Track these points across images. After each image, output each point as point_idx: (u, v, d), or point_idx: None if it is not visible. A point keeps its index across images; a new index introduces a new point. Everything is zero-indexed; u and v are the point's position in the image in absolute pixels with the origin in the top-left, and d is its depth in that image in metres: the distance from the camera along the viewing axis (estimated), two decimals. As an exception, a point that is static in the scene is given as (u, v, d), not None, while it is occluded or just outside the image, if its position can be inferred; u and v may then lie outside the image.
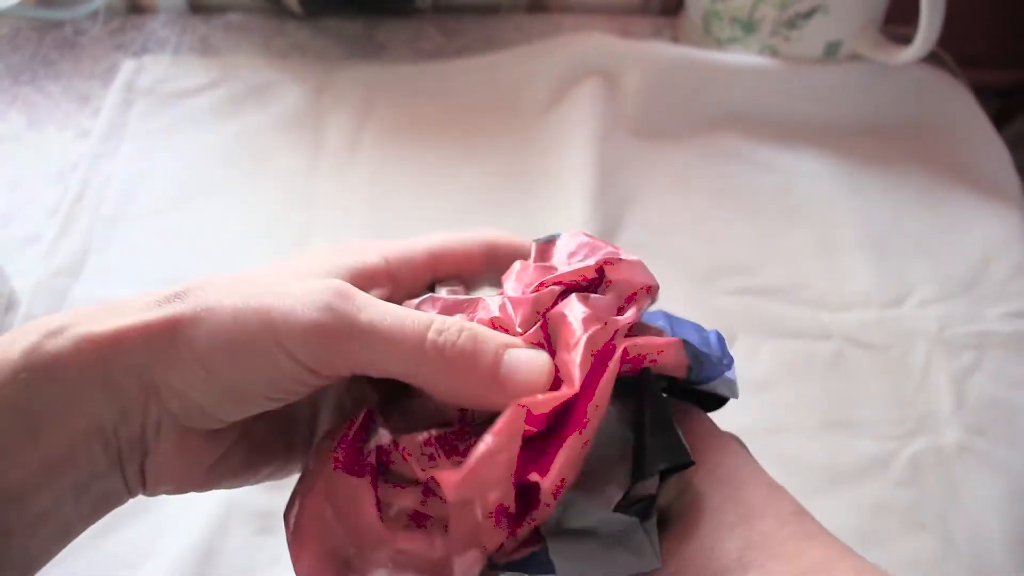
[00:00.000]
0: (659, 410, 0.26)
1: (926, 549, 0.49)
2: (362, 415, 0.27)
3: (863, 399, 0.55)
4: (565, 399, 0.24)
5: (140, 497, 0.48)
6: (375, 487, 0.25)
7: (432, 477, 0.24)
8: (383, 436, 0.26)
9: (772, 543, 0.24)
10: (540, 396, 0.24)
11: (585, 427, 0.24)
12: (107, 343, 0.24)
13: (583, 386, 0.25)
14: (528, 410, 0.24)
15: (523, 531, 0.24)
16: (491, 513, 0.23)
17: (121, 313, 0.25)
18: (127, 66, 0.69)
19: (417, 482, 0.26)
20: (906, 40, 0.64)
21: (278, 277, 0.26)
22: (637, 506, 0.26)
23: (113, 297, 0.27)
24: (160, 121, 0.67)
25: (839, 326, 0.58)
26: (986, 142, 0.68)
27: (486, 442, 0.23)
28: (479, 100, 0.69)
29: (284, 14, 0.74)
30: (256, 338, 0.24)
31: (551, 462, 0.23)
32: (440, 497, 0.25)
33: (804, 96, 0.68)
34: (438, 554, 0.25)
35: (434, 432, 0.26)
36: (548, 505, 0.23)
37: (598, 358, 0.25)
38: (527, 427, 0.24)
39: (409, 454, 0.25)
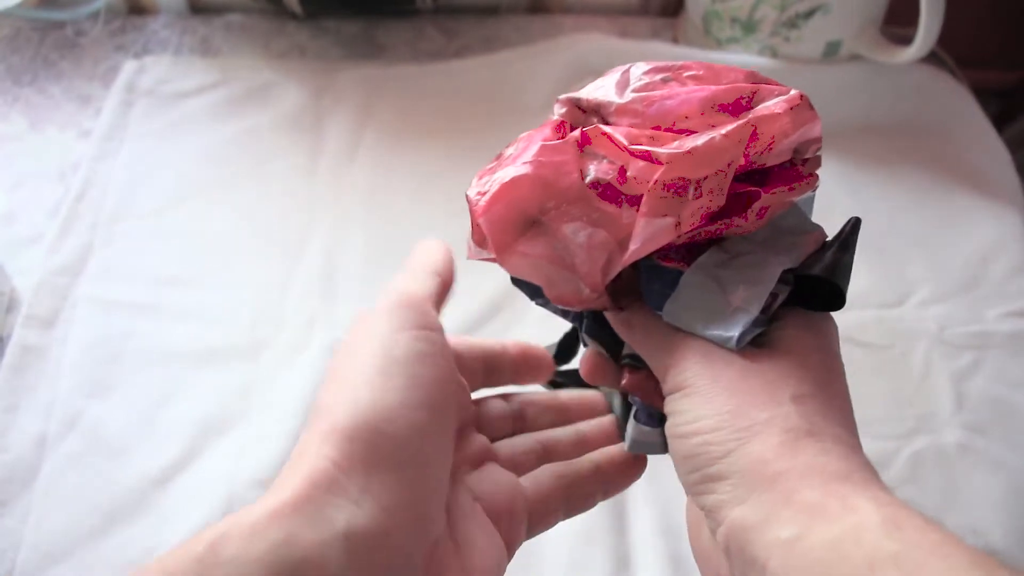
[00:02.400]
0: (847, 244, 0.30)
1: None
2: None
3: (863, 399, 0.54)
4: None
5: (139, 496, 0.49)
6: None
7: (648, 153, 0.26)
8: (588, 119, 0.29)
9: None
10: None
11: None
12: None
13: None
14: (755, 128, 0.26)
15: (710, 229, 0.27)
16: (699, 194, 0.25)
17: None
18: (128, 67, 0.69)
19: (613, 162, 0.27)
20: (906, 40, 0.64)
21: None
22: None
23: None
24: (161, 121, 0.67)
25: (839, 326, 0.58)
26: (986, 142, 0.68)
27: (716, 134, 0.25)
28: (479, 100, 0.69)
29: (284, 15, 0.74)
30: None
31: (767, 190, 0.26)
32: (635, 179, 0.26)
33: (803, 96, 0.68)
34: (627, 222, 0.26)
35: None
36: (746, 219, 0.27)
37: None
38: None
39: (614, 138, 0.27)
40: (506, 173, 0.28)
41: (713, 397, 0.25)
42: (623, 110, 0.28)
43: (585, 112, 0.29)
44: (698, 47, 0.71)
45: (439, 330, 0.28)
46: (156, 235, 0.61)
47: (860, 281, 0.60)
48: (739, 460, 0.24)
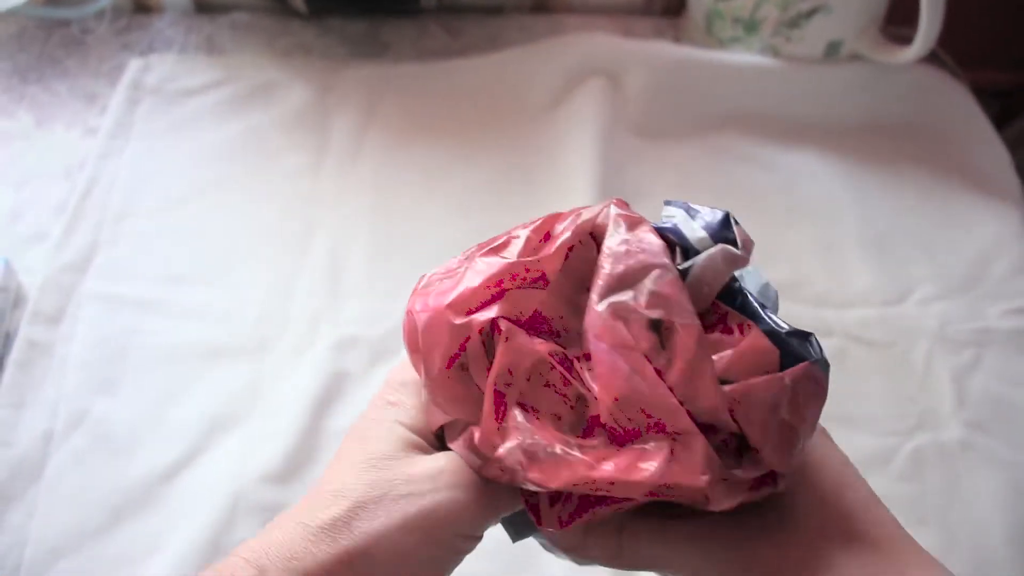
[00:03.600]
0: None
1: (927, 544, 0.49)
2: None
3: (865, 396, 0.55)
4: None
5: (144, 493, 0.49)
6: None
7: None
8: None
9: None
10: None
11: None
12: None
13: None
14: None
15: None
16: None
17: (292, 552, 0.26)
18: (133, 65, 0.70)
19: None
20: (907, 40, 0.64)
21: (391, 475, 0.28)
22: None
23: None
24: (166, 119, 0.67)
25: (841, 323, 0.58)
26: (986, 142, 0.69)
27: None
28: (483, 99, 0.69)
29: (289, 13, 0.75)
30: (433, 539, 0.26)
31: None
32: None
33: (805, 96, 0.69)
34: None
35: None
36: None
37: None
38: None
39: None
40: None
41: None
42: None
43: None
44: (700, 47, 0.71)
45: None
46: (162, 233, 0.61)
47: (862, 279, 0.61)
48: None
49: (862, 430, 0.54)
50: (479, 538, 0.28)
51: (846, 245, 0.62)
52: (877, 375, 0.56)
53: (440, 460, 0.28)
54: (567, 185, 0.63)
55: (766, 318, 0.27)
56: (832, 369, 0.58)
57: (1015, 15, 0.87)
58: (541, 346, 0.26)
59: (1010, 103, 0.94)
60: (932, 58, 0.69)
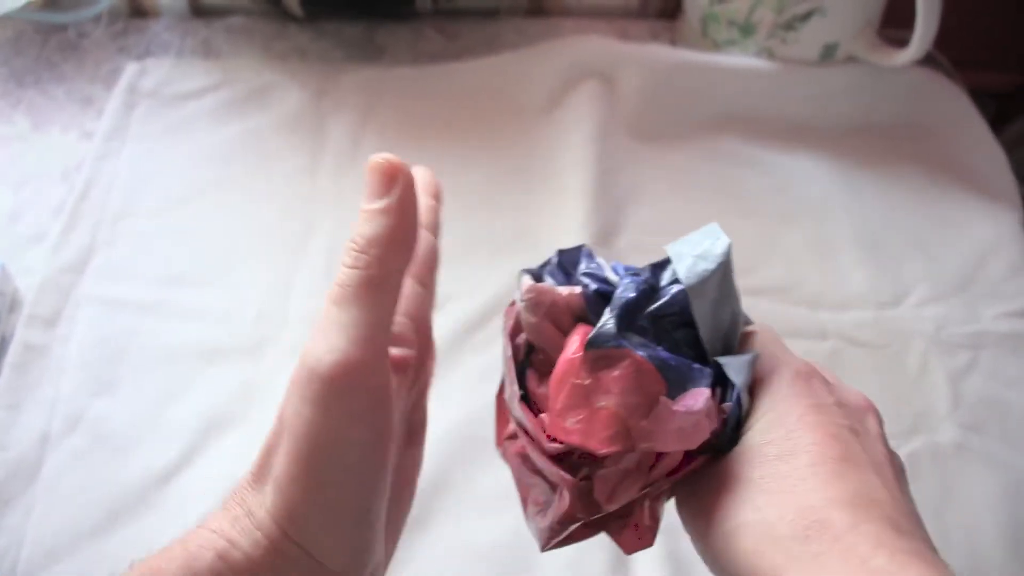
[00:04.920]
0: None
1: (922, 545, 0.49)
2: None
3: (860, 397, 0.55)
4: None
5: (141, 494, 0.49)
6: None
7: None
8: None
9: None
10: None
11: None
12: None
13: None
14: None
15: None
16: None
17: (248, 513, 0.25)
18: (130, 69, 0.70)
19: None
20: (903, 43, 0.64)
21: None
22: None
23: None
24: (162, 123, 0.67)
25: (836, 325, 0.58)
26: (982, 144, 0.69)
27: None
28: (479, 102, 0.70)
29: (285, 17, 0.75)
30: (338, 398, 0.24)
31: None
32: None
33: (801, 98, 0.69)
34: None
35: None
36: None
37: None
38: None
39: None
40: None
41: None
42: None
43: None
44: (696, 49, 0.72)
45: (386, 404, 0.25)
46: (159, 235, 0.61)
47: (857, 281, 0.61)
48: None
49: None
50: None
51: (841, 247, 0.62)
52: (872, 377, 0.56)
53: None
54: (563, 187, 0.63)
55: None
56: (827, 371, 0.58)
57: (1012, 17, 0.87)
58: None
59: (1007, 105, 0.94)
60: (928, 60, 0.69)
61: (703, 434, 0.26)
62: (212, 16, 0.76)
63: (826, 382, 0.28)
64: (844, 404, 0.28)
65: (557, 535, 0.28)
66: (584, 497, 0.26)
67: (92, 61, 0.72)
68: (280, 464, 0.24)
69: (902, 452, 0.54)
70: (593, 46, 0.70)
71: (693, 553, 0.50)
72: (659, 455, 0.26)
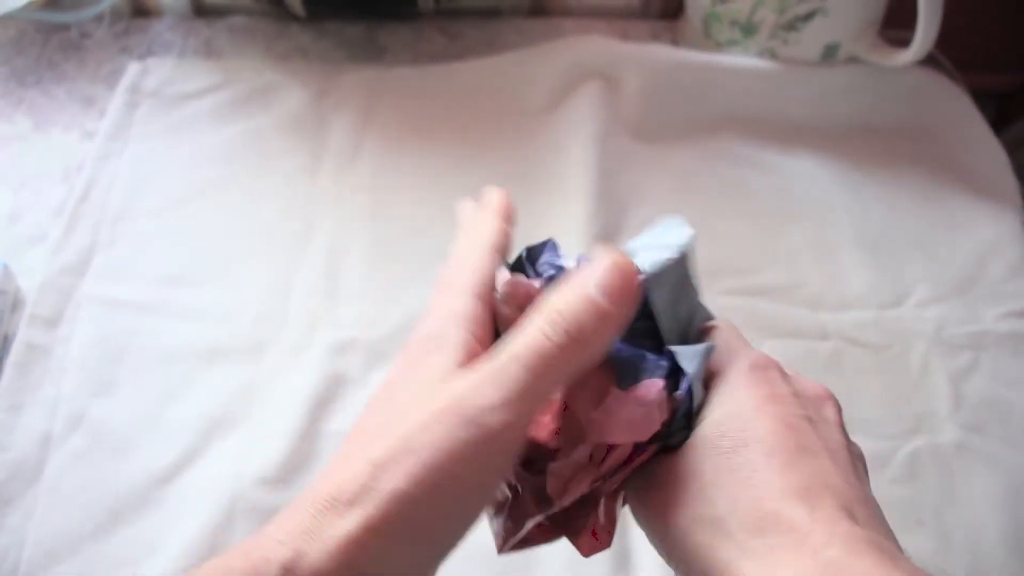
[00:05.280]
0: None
1: (924, 546, 0.49)
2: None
3: (861, 398, 0.55)
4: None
5: (142, 494, 0.49)
6: None
7: None
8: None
9: None
10: None
11: None
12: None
13: None
14: None
15: None
16: None
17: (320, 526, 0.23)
18: (132, 68, 0.70)
19: None
20: (904, 43, 0.64)
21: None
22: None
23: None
24: (164, 123, 0.67)
25: (837, 326, 0.58)
26: (983, 144, 0.69)
27: None
28: (480, 103, 0.70)
29: (287, 17, 0.75)
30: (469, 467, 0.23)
31: None
32: None
33: (803, 98, 0.69)
34: None
35: None
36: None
37: None
38: None
39: None
40: None
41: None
42: None
43: None
44: (698, 50, 0.72)
45: (513, 459, 0.25)
46: (160, 235, 0.61)
47: (858, 281, 0.61)
48: None
49: (858, 433, 0.53)
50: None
51: (842, 247, 0.62)
52: (873, 378, 0.56)
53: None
54: (564, 187, 0.63)
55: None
56: (828, 372, 0.58)
57: (1013, 18, 0.87)
58: None
59: (1008, 106, 0.94)
60: (930, 61, 0.69)
61: (653, 425, 0.25)
62: (214, 16, 0.76)
63: (784, 373, 0.28)
64: (801, 394, 0.28)
65: (513, 535, 0.28)
66: (537, 493, 0.26)
67: (94, 61, 0.72)
68: (394, 480, 0.23)
69: (903, 452, 0.54)
70: (594, 46, 0.70)
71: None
72: (610, 448, 0.26)
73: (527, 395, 0.23)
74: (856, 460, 0.27)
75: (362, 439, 0.25)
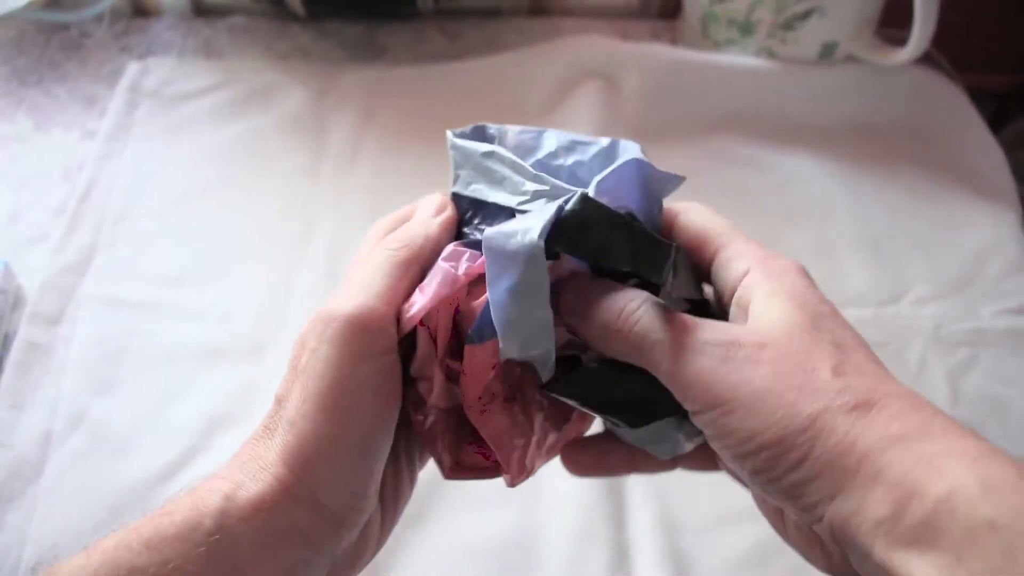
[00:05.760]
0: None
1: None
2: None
3: (859, 396, 0.55)
4: None
5: (143, 493, 0.49)
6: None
7: None
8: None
9: None
10: None
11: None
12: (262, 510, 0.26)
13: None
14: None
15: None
16: None
17: (246, 475, 0.26)
18: (132, 68, 0.70)
19: None
20: (901, 42, 0.65)
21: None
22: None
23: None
24: (164, 122, 0.67)
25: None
26: (980, 142, 0.69)
27: None
28: (480, 102, 0.70)
29: (287, 17, 0.75)
30: (356, 358, 0.27)
31: None
32: None
33: (801, 97, 0.69)
34: None
35: None
36: None
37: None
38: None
39: None
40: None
41: (758, 407, 0.25)
42: None
43: None
44: (696, 49, 0.72)
45: (395, 352, 0.28)
46: (160, 235, 0.61)
47: (857, 279, 0.61)
48: (817, 460, 0.24)
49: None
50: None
51: (841, 246, 0.63)
52: (872, 375, 0.56)
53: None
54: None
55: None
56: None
57: (1012, 17, 0.87)
58: None
59: (1006, 105, 0.95)
60: (927, 60, 0.69)
61: (444, 276, 0.28)
62: (214, 16, 0.76)
63: (801, 271, 0.31)
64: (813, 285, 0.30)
65: (440, 458, 0.30)
66: (415, 400, 0.29)
67: (94, 61, 0.72)
68: (293, 404, 0.26)
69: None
70: (594, 46, 0.70)
71: (693, 552, 0.50)
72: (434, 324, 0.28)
73: (373, 287, 0.28)
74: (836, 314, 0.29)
75: (281, 423, 0.28)
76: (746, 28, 0.68)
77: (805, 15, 0.66)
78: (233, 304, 0.58)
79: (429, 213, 0.31)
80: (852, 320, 0.61)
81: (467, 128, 0.34)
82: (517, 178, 0.29)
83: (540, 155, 0.32)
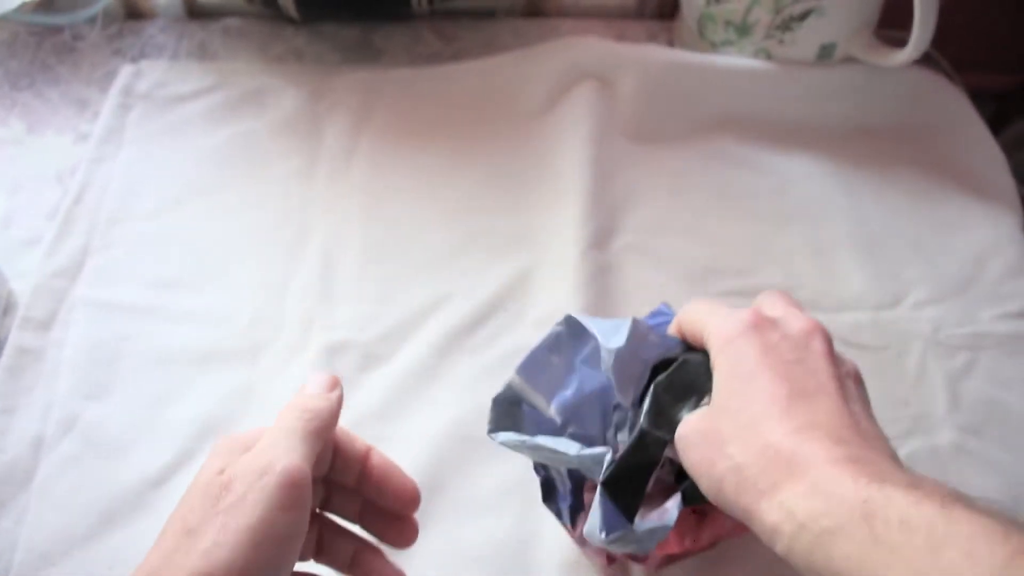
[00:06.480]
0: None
1: (920, 548, 0.49)
2: None
3: (858, 399, 0.55)
4: None
5: (136, 497, 0.49)
6: None
7: None
8: None
9: None
10: None
11: None
12: None
13: None
14: None
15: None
16: None
17: None
18: (125, 71, 0.70)
19: None
20: (901, 43, 0.64)
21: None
22: None
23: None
24: (158, 125, 0.67)
25: (834, 327, 0.57)
26: (980, 144, 0.69)
27: None
28: (476, 104, 0.69)
29: (281, 19, 0.75)
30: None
31: None
32: None
33: (798, 99, 0.69)
34: None
35: None
36: None
37: None
38: None
39: None
40: None
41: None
42: None
43: None
44: (693, 50, 0.71)
45: (309, 498, 0.32)
46: (154, 238, 0.61)
47: (855, 282, 0.60)
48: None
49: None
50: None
51: (839, 248, 0.62)
52: (870, 379, 0.55)
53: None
54: (560, 188, 0.63)
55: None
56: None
57: (1012, 17, 0.87)
58: None
59: (1006, 106, 0.94)
60: (927, 60, 0.68)
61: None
62: (208, 18, 0.76)
63: (770, 320, 0.34)
64: (788, 336, 0.33)
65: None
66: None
67: (87, 63, 0.72)
68: (211, 537, 0.30)
69: (900, 454, 0.54)
70: (590, 47, 0.70)
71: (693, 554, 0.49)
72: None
73: (298, 451, 0.33)
74: (847, 380, 0.33)
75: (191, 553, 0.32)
76: (743, 29, 0.68)
77: (803, 16, 0.65)
78: (227, 307, 0.57)
79: (324, 389, 0.37)
80: (850, 324, 0.61)
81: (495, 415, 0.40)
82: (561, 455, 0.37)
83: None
